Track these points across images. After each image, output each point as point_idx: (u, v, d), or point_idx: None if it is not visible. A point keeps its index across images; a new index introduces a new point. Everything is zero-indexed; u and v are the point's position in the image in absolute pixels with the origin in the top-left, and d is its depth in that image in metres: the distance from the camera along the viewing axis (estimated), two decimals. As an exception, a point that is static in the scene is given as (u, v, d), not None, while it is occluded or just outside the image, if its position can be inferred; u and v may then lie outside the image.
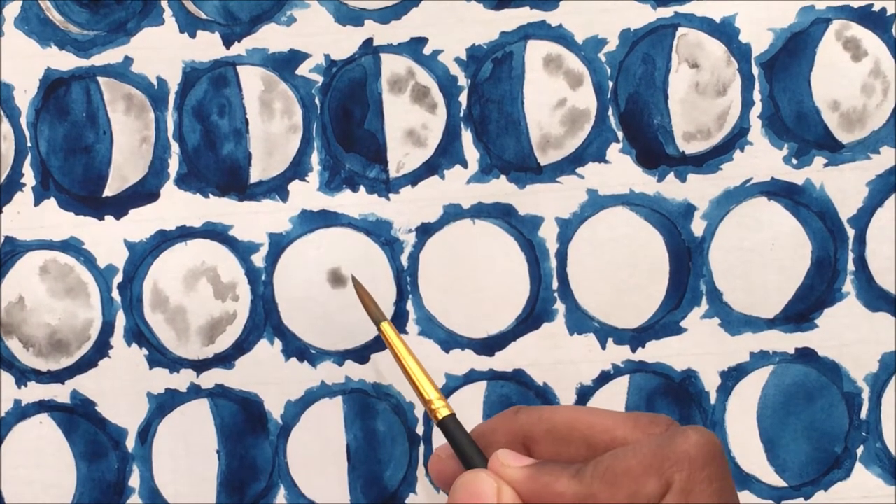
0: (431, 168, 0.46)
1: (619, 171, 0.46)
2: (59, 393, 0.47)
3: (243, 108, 0.47)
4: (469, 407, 0.46)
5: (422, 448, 0.46)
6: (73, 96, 0.47)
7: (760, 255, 0.46)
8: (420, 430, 0.46)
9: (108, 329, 0.47)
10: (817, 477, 0.46)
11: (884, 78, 0.45)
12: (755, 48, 0.46)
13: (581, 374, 0.46)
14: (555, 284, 0.46)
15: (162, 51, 0.47)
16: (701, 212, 0.46)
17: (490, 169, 0.46)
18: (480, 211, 0.46)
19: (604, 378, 0.46)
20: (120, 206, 0.47)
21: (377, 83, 0.46)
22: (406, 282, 0.46)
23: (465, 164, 0.46)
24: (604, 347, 0.46)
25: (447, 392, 0.46)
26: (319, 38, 0.46)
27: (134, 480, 0.47)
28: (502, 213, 0.46)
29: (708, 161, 0.46)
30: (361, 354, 0.46)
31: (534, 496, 0.33)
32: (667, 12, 0.46)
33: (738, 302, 0.46)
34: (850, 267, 0.46)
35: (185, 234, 0.47)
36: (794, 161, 0.46)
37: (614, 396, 0.46)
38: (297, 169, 0.47)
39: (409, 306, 0.46)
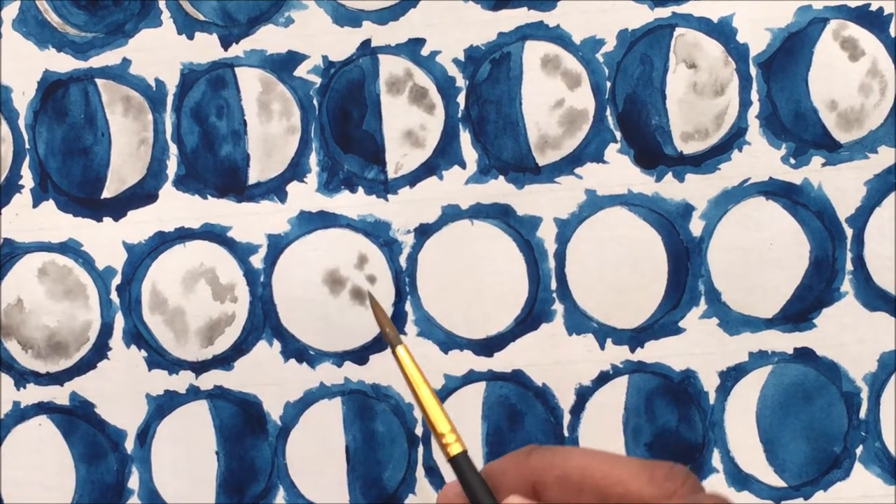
0: (430, 169, 0.46)
1: (617, 171, 0.46)
2: (58, 395, 0.47)
3: (241, 110, 0.47)
4: (468, 408, 0.46)
5: (421, 449, 0.46)
6: (71, 98, 0.47)
7: (759, 255, 0.46)
8: (419, 430, 0.46)
9: (106, 331, 0.47)
10: (817, 477, 0.46)
11: (881, 77, 0.45)
12: (753, 48, 0.46)
13: (580, 375, 0.46)
14: (553, 285, 0.46)
15: (160, 52, 0.47)
16: (699, 212, 0.46)
17: (488, 169, 0.46)
18: (479, 211, 0.46)
19: (603, 378, 0.46)
20: (118, 207, 0.47)
21: (375, 84, 0.46)
22: (405, 283, 0.46)
23: (463, 165, 0.46)
24: (603, 348, 0.46)
25: (446, 393, 0.46)
26: (317, 40, 0.46)
27: (133, 482, 0.47)
28: (501, 214, 0.46)
29: (706, 161, 0.46)
30: (360, 355, 0.46)
31: None
32: (664, 12, 0.46)
33: (736, 302, 0.46)
34: (849, 266, 0.45)
35: (183, 235, 0.47)
36: (792, 161, 0.46)
37: (613, 397, 0.46)
38: (296, 170, 0.47)
39: (408, 307, 0.46)
